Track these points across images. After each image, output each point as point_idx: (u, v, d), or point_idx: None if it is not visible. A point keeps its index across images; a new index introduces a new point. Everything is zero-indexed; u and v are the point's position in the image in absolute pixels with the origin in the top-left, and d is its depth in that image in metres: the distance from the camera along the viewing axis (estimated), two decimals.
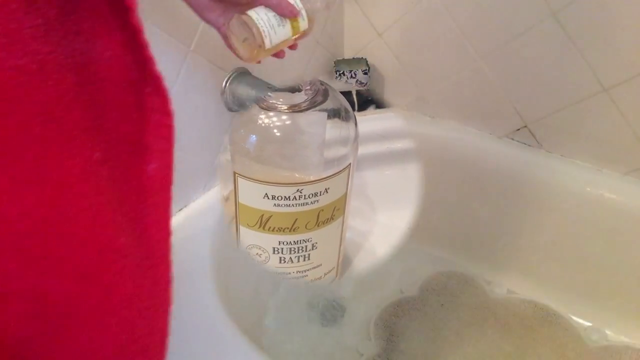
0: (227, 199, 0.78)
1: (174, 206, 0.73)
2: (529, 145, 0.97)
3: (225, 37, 0.59)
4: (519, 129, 0.96)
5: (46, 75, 0.31)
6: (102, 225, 0.35)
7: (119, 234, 0.37)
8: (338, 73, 1.02)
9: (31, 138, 0.31)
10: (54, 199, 0.32)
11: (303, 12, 0.61)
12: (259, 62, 0.62)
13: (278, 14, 0.58)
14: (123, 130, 0.37)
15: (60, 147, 0.32)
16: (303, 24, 0.61)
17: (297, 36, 0.62)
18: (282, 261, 0.77)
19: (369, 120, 1.07)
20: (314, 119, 0.71)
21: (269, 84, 0.82)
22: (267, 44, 0.59)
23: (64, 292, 0.35)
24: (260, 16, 0.58)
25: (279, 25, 0.59)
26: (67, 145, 0.32)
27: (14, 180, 0.31)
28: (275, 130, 0.71)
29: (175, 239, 0.49)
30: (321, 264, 0.80)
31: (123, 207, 0.38)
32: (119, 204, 0.37)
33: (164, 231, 0.41)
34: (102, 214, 0.35)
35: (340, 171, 0.72)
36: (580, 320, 0.98)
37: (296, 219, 0.72)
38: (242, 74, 0.84)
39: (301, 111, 0.70)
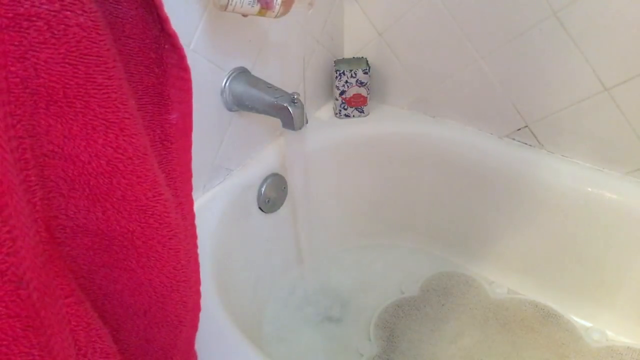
0: None
1: None
2: (530, 145, 0.97)
3: None
4: (519, 129, 0.96)
5: (98, 32, 0.35)
6: (151, 163, 0.40)
7: (159, 172, 0.42)
8: (338, 73, 1.02)
9: (95, 87, 0.35)
10: (117, 140, 0.37)
11: (277, 7, 0.69)
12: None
13: None
14: (147, 83, 0.42)
15: (117, 94, 0.37)
16: (270, 13, 0.69)
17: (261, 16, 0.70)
18: None
19: (370, 121, 1.06)
20: None
21: (269, 84, 0.82)
22: (229, 10, 0.67)
23: (125, 226, 0.39)
24: None
25: (249, 4, 0.67)
26: (119, 92, 0.37)
27: (85, 127, 0.36)
28: None
29: None
30: None
31: (153, 151, 0.42)
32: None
33: (187, 173, 0.47)
34: (149, 154, 0.40)
35: None
36: (581, 321, 0.98)
37: None
38: (241, 74, 0.84)
39: None
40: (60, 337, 0.35)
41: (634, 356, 0.92)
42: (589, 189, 0.90)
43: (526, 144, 0.97)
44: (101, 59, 0.35)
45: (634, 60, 0.79)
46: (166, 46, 0.41)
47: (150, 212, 0.40)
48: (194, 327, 0.50)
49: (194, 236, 0.47)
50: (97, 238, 0.39)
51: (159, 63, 0.42)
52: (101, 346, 0.40)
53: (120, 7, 0.38)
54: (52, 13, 0.33)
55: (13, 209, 0.31)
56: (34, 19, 0.32)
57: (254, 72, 0.86)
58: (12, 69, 0.32)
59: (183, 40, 0.73)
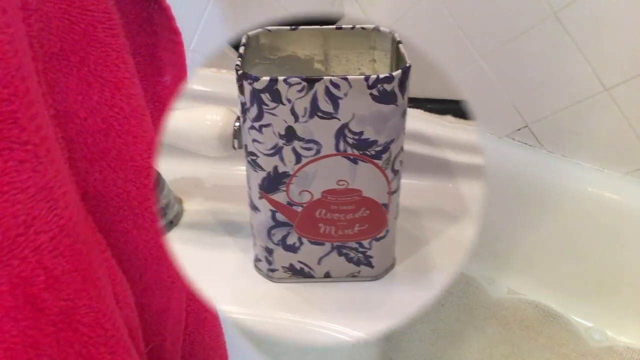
0: None
1: None
2: (530, 145, 0.96)
3: None
4: (519, 129, 0.96)
5: None
6: (148, 125, 0.39)
7: (156, 135, 0.41)
8: None
9: (95, 43, 0.35)
10: (113, 98, 0.36)
11: None
12: None
13: None
14: (139, 42, 0.41)
15: (117, 53, 0.36)
16: None
17: None
18: None
19: None
20: None
21: None
22: None
23: (121, 187, 0.39)
24: None
25: None
26: (121, 51, 0.36)
27: (81, 82, 0.35)
28: None
29: None
30: None
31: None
32: None
33: None
34: (147, 116, 0.39)
35: None
36: (582, 321, 0.98)
37: None
38: None
39: None
40: (107, 290, 0.35)
41: (634, 356, 0.92)
42: (589, 189, 0.90)
43: (526, 144, 0.97)
44: (106, 15, 0.35)
45: (634, 60, 0.79)
46: (155, 6, 0.41)
47: (146, 174, 0.40)
48: (183, 287, 0.50)
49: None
50: (95, 202, 0.39)
51: (150, 22, 0.41)
52: (129, 301, 0.41)
53: None
54: None
55: (59, 163, 0.30)
56: None
57: None
58: (30, 21, 0.31)
59: (184, 40, 0.73)
